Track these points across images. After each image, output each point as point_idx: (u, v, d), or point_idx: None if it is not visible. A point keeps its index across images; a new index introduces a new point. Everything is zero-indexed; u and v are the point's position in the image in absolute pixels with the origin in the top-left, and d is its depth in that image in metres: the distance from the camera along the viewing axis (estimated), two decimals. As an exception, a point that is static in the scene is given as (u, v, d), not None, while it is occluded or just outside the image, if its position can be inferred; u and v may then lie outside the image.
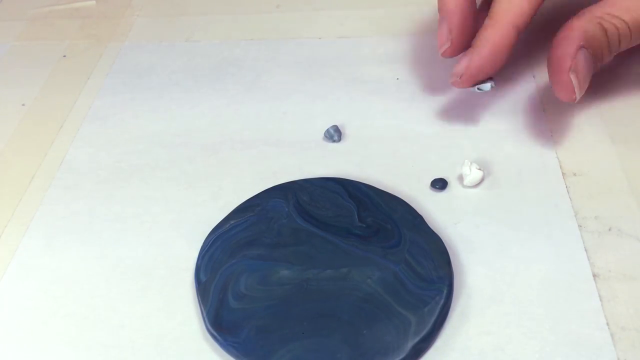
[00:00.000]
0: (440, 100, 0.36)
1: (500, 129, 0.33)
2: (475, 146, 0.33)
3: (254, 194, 0.31)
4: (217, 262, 0.28)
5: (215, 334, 0.25)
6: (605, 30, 0.30)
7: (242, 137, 0.35)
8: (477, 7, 0.35)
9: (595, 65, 0.31)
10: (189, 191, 0.32)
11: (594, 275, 0.27)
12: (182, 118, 0.37)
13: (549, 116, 0.34)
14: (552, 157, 0.32)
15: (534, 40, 0.37)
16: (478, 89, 0.33)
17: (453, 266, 0.27)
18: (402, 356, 0.24)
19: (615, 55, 0.32)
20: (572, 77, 0.29)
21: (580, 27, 0.30)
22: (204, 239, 0.29)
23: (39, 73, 0.41)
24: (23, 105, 0.39)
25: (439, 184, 0.31)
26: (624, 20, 0.30)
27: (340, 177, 0.31)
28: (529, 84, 0.36)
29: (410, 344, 0.24)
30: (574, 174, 0.31)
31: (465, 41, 0.33)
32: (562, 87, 0.30)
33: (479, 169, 0.30)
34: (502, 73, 0.34)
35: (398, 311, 0.25)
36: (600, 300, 0.26)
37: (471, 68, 0.32)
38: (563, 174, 0.31)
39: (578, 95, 0.30)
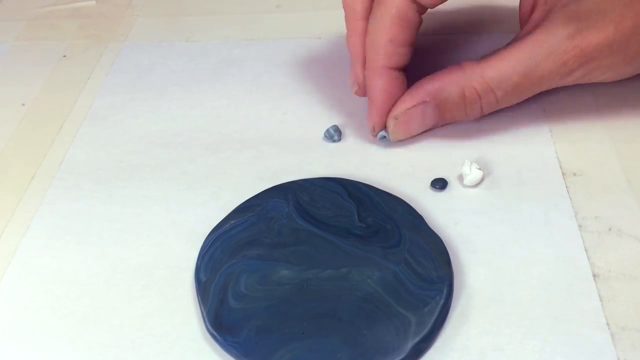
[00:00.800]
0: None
1: (500, 128, 0.33)
2: (475, 146, 0.33)
3: (254, 194, 0.31)
4: (217, 262, 0.28)
5: (215, 334, 0.25)
6: (464, 96, 0.31)
7: (242, 137, 0.35)
8: None
9: (442, 120, 0.32)
10: (189, 191, 0.32)
11: (594, 275, 0.27)
12: (182, 118, 0.37)
13: (548, 116, 0.34)
14: (552, 157, 0.32)
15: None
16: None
17: (453, 266, 0.27)
18: (402, 356, 0.24)
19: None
20: (390, 122, 0.32)
21: (436, 87, 0.31)
22: (204, 239, 0.29)
23: (39, 73, 0.41)
24: (23, 105, 0.39)
25: (439, 184, 0.31)
26: (492, 90, 0.31)
27: (340, 177, 0.31)
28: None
29: (410, 344, 0.24)
30: (574, 174, 0.31)
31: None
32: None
33: (479, 169, 0.30)
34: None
35: (398, 311, 0.25)
36: (600, 300, 0.26)
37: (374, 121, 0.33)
38: (563, 174, 0.31)
39: (379, 135, 0.33)
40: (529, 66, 0.30)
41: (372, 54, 0.32)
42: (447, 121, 0.33)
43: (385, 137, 0.33)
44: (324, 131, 0.34)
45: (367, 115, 0.33)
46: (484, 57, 0.31)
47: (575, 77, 0.30)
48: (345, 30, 0.34)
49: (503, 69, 0.30)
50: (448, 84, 0.31)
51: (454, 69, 0.31)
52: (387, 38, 0.31)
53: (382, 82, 0.32)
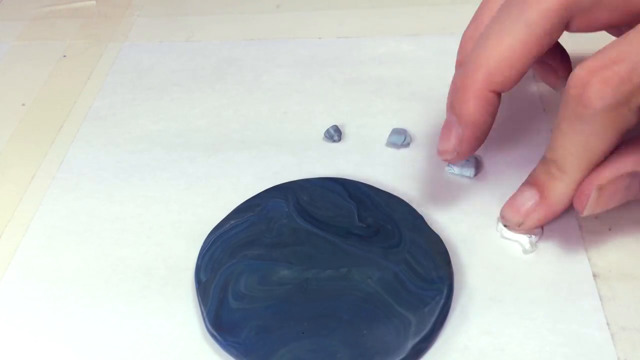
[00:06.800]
0: (440, 100, 0.36)
1: (500, 129, 0.33)
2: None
3: (254, 194, 0.31)
4: (217, 262, 0.28)
5: (215, 334, 0.25)
6: None
7: (242, 137, 0.35)
8: None
9: None
10: (189, 191, 0.32)
11: (594, 275, 0.27)
12: (182, 118, 0.37)
13: (549, 116, 0.34)
14: (552, 157, 0.32)
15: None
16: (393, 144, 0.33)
17: (453, 266, 0.27)
18: (402, 356, 0.24)
19: None
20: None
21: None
22: (204, 239, 0.29)
23: (39, 73, 0.41)
24: (23, 105, 0.39)
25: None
26: None
27: (340, 177, 0.31)
28: (529, 84, 0.36)
29: (410, 344, 0.24)
30: (574, 174, 0.31)
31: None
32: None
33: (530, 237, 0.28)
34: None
35: (398, 311, 0.25)
36: (601, 300, 0.26)
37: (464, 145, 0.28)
38: (563, 174, 0.31)
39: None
40: None
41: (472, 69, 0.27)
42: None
43: (395, 143, 0.33)
44: (324, 131, 0.34)
45: (445, 138, 0.27)
46: None
47: None
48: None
49: None
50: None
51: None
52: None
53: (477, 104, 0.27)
